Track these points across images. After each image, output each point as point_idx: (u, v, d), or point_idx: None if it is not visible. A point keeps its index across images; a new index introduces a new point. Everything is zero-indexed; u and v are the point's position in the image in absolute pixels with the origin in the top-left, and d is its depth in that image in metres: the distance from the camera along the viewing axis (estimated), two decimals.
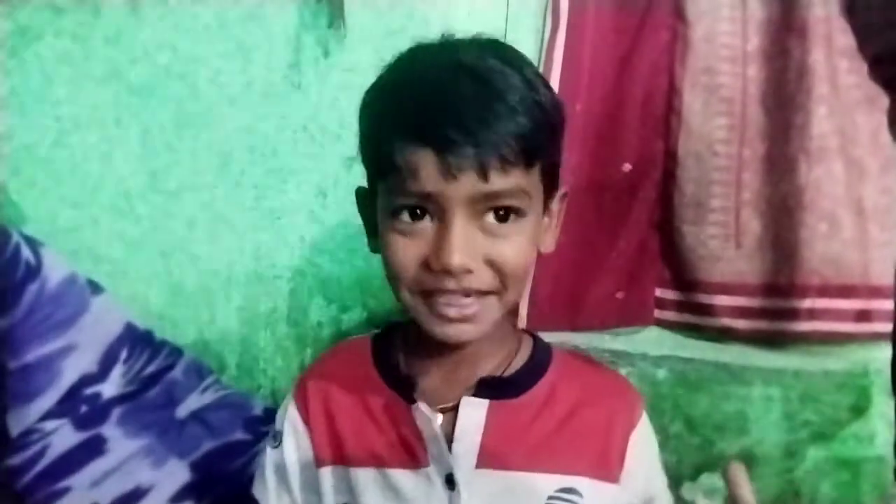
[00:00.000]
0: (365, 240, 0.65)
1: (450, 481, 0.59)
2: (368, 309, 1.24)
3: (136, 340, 1.00)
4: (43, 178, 1.07)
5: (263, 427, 0.99)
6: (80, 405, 0.91)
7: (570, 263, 1.29)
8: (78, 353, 0.92)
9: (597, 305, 1.31)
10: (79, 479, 0.86)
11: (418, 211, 0.56)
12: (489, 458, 0.60)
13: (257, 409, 1.06)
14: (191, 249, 1.15)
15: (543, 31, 1.29)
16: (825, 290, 1.20)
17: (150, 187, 1.13)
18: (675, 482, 1.16)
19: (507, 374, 0.64)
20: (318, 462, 0.65)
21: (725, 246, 1.26)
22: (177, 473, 0.90)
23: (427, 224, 0.56)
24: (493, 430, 0.60)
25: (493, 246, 0.56)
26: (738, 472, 0.49)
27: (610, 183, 1.29)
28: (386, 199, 0.58)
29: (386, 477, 0.61)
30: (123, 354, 0.97)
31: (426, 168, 0.54)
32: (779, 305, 1.23)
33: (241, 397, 1.08)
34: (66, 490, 0.85)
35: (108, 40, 1.09)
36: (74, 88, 1.08)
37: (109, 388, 0.94)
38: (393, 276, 0.58)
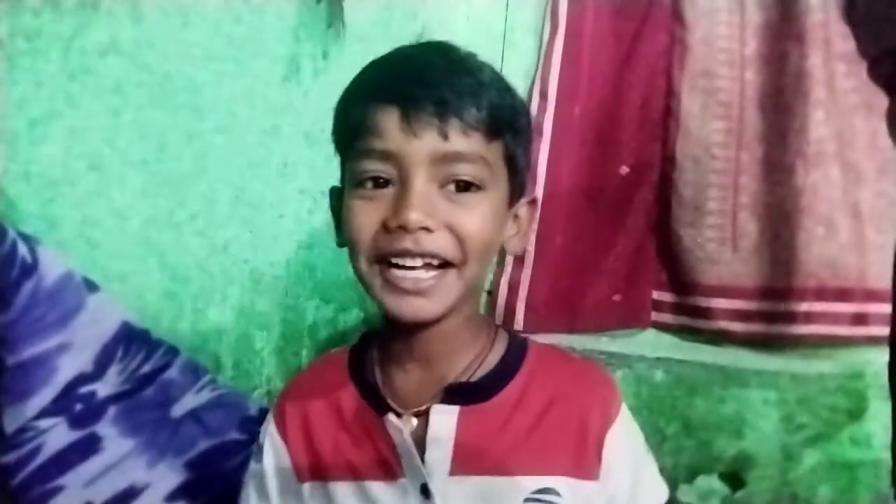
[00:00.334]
0: None
1: (425, 491, 0.59)
2: (365, 310, 1.24)
3: (132, 339, 0.99)
4: (39, 175, 1.07)
5: (259, 427, 0.99)
6: (75, 403, 0.90)
7: (567, 266, 1.29)
8: (73, 351, 0.91)
9: (594, 308, 1.31)
10: (73, 478, 0.85)
11: (381, 180, 0.57)
12: (463, 464, 0.59)
13: (253, 410, 1.05)
14: (188, 248, 1.15)
15: (542, 35, 1.29)
16: (822, 294, 1.20)
17: (146, 187, 1.13)
18: (671, 484, 1.16)
19: (477, 376, 0.62)
20: (299, 477, 0.64)
21: (722, 249, 1.27)
22: (172, 472, 0.90)
23: (389, 191, 0.57)
24: (465, 436, 0.60)
25: (454, 212, 0.57)
26: None
27: (607, 186, 1.30)
28: (352, 173, 0.59)
29: (363, 490, 0.61)
30: (119, 353, 0.97)
31: (389, 123, 0.56)
32: (775, 308, 1.23)
33: (236, 397, 1.08)
34: (60, 488, 0.84)
35: (107, 40, 1.09)
36: (72, 87, 1.08)
37: (105, 386, 0.93)
38: (352, 242, 0.59)
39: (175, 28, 1.13)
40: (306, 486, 0.64)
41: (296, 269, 1.21)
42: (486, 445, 0.60)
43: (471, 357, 0.63)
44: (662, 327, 1.33)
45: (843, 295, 1.20)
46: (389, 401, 0.62)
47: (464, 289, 0.59)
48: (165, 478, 0.89)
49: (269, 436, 0.67)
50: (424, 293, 0.57)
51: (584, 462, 0.61)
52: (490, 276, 1.30)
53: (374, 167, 0.57)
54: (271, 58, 1.18)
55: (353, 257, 0.59)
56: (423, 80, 0.56)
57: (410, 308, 0.58)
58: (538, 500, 0.59)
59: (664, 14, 1.28)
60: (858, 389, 1.17)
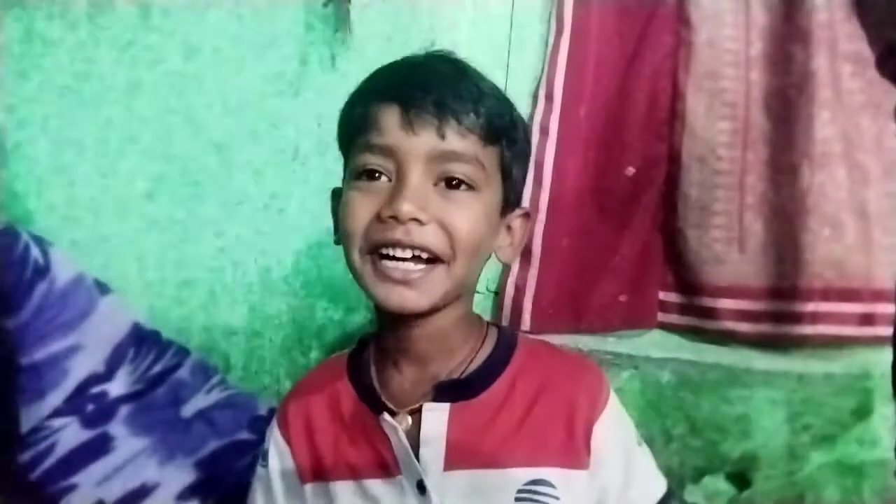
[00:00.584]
0: None
1: (421, 487, 0.61)
2: (373, 311, 1.24)
3: (143, 340, 1.01)
4: (51, 178, 1.08)
5: (268, 427, 1.00)
6: (87, 404, 0.92)
7: (573, 267, 1.29)
8: (85, 352, 0.93)
9: (600, 308, 1.31)
10: (85, 477, 0.87)
11: (378, 173, 0.59)
12: (456, 459, 0.61)
13: (262, 410, 1.06)
14: (198, 250, 1.16)
15: (548, 36, 1.29)
16: (828, 294, 1.20)
17: (157, 188, 1.14)
18: (678, 485, 1.17)
19: (466, 372, 0.64)
20: (302, 479, 0.66)
21: (729, 249, 1.26)
22: (182, 472, 0.91)
23: (385, 183, 0.59)
24: (457, 432, 0.61)
25: (446, 208, 0.58)
26: None
27: (613, 186, 1.30)
28: (352, 166, 0.61)
29: (363, 488, 0.63)
30: (130, 354, 0.98)
31: (390, 120, 0.58)
32: (782, 309, 1.23)
33: (246, 397, 1.09)
34: (73, 487, 0.86)
35: (117, 43, 1.10)
36: (81, 90, 1.10)
37: (116, 387, 0.95)
38: (346, 232, 0.61)
39: (184, 33, 1.14)
40: (308, 487, 0.66)
41: (305, 271, 1.22)
42: (477, 440, 0.61)
43: (463, 354, 0.65)
44: (669, 328, 1.33)
45: (849, 295, 1.20)
46: (385, 400, 0.64)
47: (451, 286, 0.60)
48: (176, 477, 0.91)
49: (273, 439, 0.69)
50: (411, 284, 0.59)
51: (574, 451, 0.62)
52: (497, 277, 1.30)
53: (373, 161, 0.59)
54: (279, 62, 1.19)
55: (347, 249, 0.61)
56: (425, 83, 0.59)
57: (397, 297, 0.59)
58: (531, 492, 0.60)
59: (669, 15, 1.28)
60: (865, 390, 1.17)
